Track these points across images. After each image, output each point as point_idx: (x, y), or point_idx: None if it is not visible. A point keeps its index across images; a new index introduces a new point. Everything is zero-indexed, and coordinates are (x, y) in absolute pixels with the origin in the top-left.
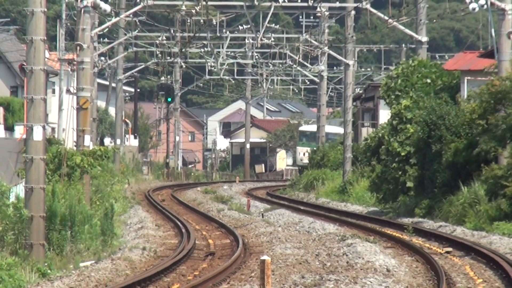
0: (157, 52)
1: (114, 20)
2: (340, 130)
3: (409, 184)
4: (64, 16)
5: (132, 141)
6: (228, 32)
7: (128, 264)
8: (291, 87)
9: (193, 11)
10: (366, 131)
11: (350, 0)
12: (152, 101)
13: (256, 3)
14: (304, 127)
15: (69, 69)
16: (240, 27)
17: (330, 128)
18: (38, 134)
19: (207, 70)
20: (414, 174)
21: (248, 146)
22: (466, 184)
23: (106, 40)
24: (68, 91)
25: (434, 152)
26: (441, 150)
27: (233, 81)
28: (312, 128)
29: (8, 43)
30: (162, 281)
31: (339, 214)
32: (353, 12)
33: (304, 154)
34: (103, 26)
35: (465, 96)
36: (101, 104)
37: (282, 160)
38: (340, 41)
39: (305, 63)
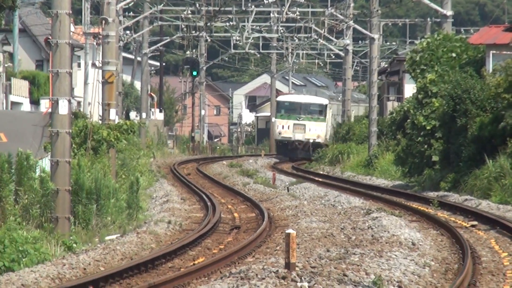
0: (183, 26)
1: None
2: (321, 100)
3: (435, 158)
4: None
5: (158, 115)
6: (253, 6)
7: (154, 238)
8: (316, 61)
9: None
10: (391, 105)
11: None
12: (177, 75)
13: None
14: (282, 97)
15: (95, 43)
16: (265, 1)
17: (311, 98)
18: (63, 108)
19: (232, 44)
20: (439, 148)
21: (273, 120)
22: (491, 158)
23: (131, 14)
24: (93, 65)
25: (460, 126)
26: (467, 124)
27: (258, 55)
28: (292, 98)
29: (33, 17)
30: (187, 255)
31: (364, 188)
32: None
33: (283, 127)
34: (128, 0)
35: (490, 70)
36: (127, 78)
37: None
38: (365, 15)
39: (330, 37)
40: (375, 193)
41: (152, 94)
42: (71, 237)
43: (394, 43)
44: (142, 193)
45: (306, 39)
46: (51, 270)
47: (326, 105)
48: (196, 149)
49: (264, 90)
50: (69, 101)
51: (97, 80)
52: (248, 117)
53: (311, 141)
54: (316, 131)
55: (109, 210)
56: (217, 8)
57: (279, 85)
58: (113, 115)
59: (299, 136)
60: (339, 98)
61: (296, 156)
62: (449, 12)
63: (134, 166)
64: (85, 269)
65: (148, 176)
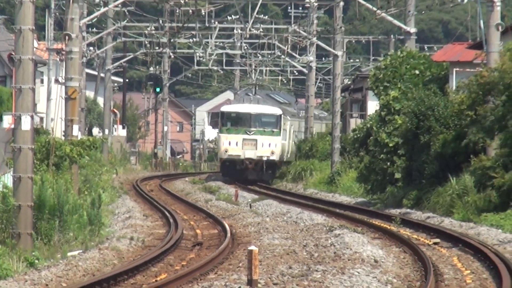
0: (146, 42)
1: (103, 10)
2: (274, 110)
3: (397, 175)
4: (53, 6)
5: (121, 131)
6: (216, 22)
7: (116, 254)
8: (279, 77)
9: (182, 1)
10: (354, 122)
11: None
12: (140, 91)
13: None
14: (227, 107)
15: (58, 59)
16: (229, 18)
17: (262, 108)
18: (26, 124)
19: (195, 61)
20: (402, 165)
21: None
22: (454, 175)
23: (95, 30)
24: (56, 81)
25: (423, 143)
26: (430, 141)
27: (221, 72)
28: (239, 108)
29: None
30: (150, 271)
31: (327, 205)
32: (341, 3)
33: (229, 143)
34: (92, 16)
35: (453, 87)
36: (90, 94)
37: None
38: (328, 32)
39: (294, 53)
40: (337, 210)
41: (115, 110)
42: (33, 253)
43: (357, 60)
44: (104, 209)
45: (269, 56)
46: (13, 286)
47: (280, 115)
48: (158, 166)
49: None
50: (32, 117)
51: (60, 96)
52: (211, 133)
53: (264, 158)
54: (270, 146)
55: (72, 226)
56: (180, 25)
57: None
58: (76, 131)
59: (249, 154)
60: (301, 115)
61: (246, 178)
62: (413, 29)
63: (97, 182)
64: (47, 285)
65: (110, 192)
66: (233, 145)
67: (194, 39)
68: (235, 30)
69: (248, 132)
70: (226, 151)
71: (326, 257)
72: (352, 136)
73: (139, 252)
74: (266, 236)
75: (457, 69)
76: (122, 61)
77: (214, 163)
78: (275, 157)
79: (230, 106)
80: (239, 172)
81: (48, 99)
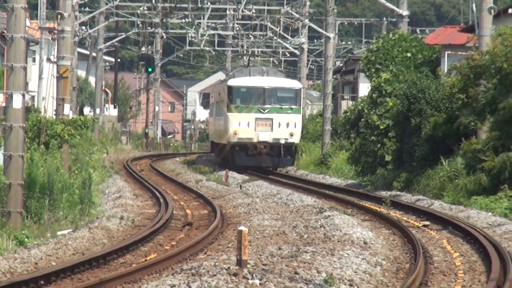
0: (138, 22)
1: None
2: (293, 83)
3: (388, 157)
4: None
5: (112, 111)
6: (209, 3)
7: (106, 233)
8: (271, 59)
9: None
10: (345, 104)
11: None
12: (132, 71)
13: None
14: (237, 81)
15: (50, 38)
16: None
17: (278, 81)
18: (17, 102)
19: (187, 41)
20: (392, 147)
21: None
22: (444, 158)
23: (87, 9)
24: (48, 59)
25: (414, 126)
26: (421, 124)
27: (213, 52)
28: (251, 81)
29: None
30: (139, 251)
31: (317, 186)
32: None
33: (239, 124)
34: None
35: (445, 70)
36: (81, 73)
37: None
38: (321, 14)
39: (286, 35)
40: (328, 192)
41: (107, 90)
42: (23, 232)
43: (349, 42)
44: (94, 188)
45: (261, 37)
46: (2, 264)
47: (300, 89)
48: (149, 146)
49: None
50: (23, 96)
51: (52, 75)
52: (202, 114)
53: (282, 142)
54: (288, 127)
55: (62, 205)
56: (173, 5)
57: None
58: (67, 110)
59: (264, 136)
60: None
61: (259, 164)
62: (405, 12)
63: (87, 162)
64: (36, 263)
65: (101, 172)
66: (244, 126)
67: (186, 20)
68: (227, 11)
69: (262, 110)
70: (235, 134)
71: (315, 239)
72: (343, 118)
73: (129, 232)
74: (256, 217)
75: (449, 52)
76: (114, 40)
77: (205, 144)
78: (294, 140)
79: (240, 80)
80: (252, 159)
81: (40, 78)
